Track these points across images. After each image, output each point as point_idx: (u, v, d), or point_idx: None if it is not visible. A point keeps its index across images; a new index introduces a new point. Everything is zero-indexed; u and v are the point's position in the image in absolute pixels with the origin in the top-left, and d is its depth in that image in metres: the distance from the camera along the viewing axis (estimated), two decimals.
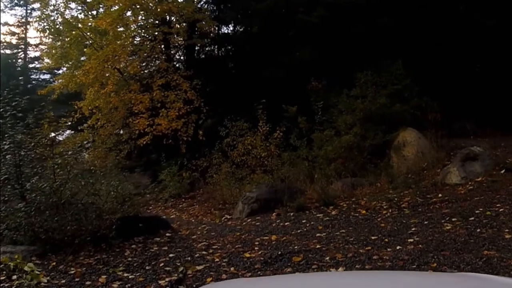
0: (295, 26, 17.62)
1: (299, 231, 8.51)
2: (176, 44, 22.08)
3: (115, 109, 19.31)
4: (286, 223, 9.36)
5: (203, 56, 23.18)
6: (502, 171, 9.81)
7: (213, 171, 15.56)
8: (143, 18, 20.73)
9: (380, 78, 14.24)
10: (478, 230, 7.08)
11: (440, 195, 9.48)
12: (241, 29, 22.44)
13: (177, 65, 21.76)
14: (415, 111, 13.10)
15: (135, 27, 21.04)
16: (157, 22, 20.82)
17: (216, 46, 22.80)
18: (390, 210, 9.08)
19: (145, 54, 20.75)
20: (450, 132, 15.71)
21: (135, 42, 21.01)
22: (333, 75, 16.27)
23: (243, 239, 8.32)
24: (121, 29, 20.21)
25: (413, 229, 7.62)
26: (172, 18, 20.96)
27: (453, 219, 7.80)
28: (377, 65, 14.71)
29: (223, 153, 16.08)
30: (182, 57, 23.25)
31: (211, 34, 22.18)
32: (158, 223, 9.72)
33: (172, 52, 22.30)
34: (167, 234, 9.07)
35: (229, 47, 22.64)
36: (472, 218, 7.70)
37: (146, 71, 21.91)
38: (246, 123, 15.62)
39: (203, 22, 20.04)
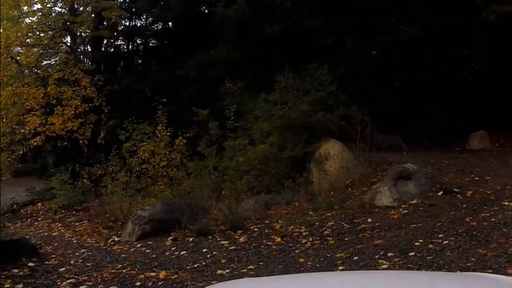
0: (213, 23, 15.86)
1: (196, 265, 6.70)
2: (84, 35, 19.84)
3: (12, 105, 16.84)
4: (182, 252, 7.51)
5: (112, 50, 21.03)
6: (440, 193, 8.43)
7: (108, 180, 13.40)
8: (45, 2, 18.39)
9: (303, 83, 12.73)
10: (423, 270, 5.52)
11: (369, 219, 7.95)
12: (155, 23, 20.49)
13: (81, 59, 19.51)
14: (340, 121, 11.64)
15: (35, 11, 18.64)
16: (62, 9, 18.66)
17: (126, 40, 20.74)
18: (310, 239, 7.42)
19: (43, 44, 18.44)
20: (378, 145, 14.58)
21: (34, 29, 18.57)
22: (251, 77, 14.70)
23: (123, 275, 6.39)
24: (15, 12, 17.90)
25: (340, 267, 5.99)
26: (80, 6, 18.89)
27: (389, 254, 6.25)
28: (300, 68, 13.24)
29: (123, 160, 14.02)
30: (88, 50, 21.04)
31: (122, 27, 20.12)
32: (21, 248, 7.61)
33: (77, 43, 20.06)
34: (30, 264, 7.04)
35: (140, 42, 20.62)
36: (413, 253, 6.17)
37: (44, 62, 19.64)
38: (149, 126, 13.64)
39: (111, 12, 17.87)
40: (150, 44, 20.56)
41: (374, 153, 11.97)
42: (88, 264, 7.33)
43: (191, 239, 8.28)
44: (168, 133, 13.23)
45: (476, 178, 9.65)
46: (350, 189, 9.87)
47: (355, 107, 11.72)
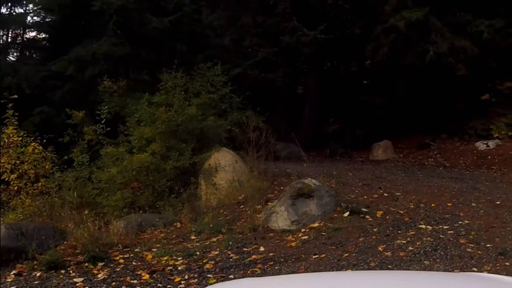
0: (94, 12, 13.85)
1: None
2: None
3: None
4: None
5: None
6: (346, 214, 7.08)
7: None
8: None
9: (194, 83, 11.14)
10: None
11: (262, 248, 6.44)
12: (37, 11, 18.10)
13: None
14: (233, 128, 10.16)
15: None
16: None
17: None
18: (186, 276, 5.78)
19: None
20: (276, 154, 13.36)
21: None
22: (135, 76, 12.93)
23: None
24: None
25: None
26: None
27: None
28: (192, 68, 11.67)
29: None
30: None
31: None
32: None
33: None
34: None
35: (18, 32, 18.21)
36: None
37: None
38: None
39: None
40: (28, 36, 18.20)
41: (271, 164, 10.63)
42: None
43: (38, 274, 6.38)
44: (19, 138, 11.07)
45: (386, 194, 8.47)
46: (242, 206, 8.35)
47: (250, 112, 10.30)
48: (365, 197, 8.15)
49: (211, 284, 4.66)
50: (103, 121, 10.38)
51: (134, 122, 10.68)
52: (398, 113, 16.64)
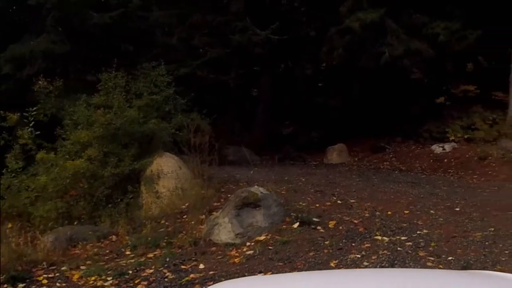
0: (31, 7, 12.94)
1: None
2: None
3: None
4: None
5: None
6: (296, 225, 6.47)
7: None
8: None
9: (137, 84, 10.40)
10: None
11: (202, 265, 5.77)
12: None
13: None
14: (178, 131, 9.48)
15: None
16: None
17: None
18: None
19: None
20: (225, 159, 12.80)
21: None
22: (75, 75, 12.10)
23: None
24: None
25: None
26: None
27: None
28: (136, 67, 10.94)
29: None
30: None
31: None
32: None
33: None
34: None
35: None
36: None
37: None
38: None
39: None
40: None
41: (221, 169, 10.03)
42: None
43: None
44: None
45: (339, 202, 7.92)
46: (185, 216, 7.67)
47: (196, 114, 9.64)
48: (317, 205, 7.57)
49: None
50: (31, 124, 9.51)
51: (71, 125, 9.86)
52: (353, 115, 16.26)
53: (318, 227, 6.46)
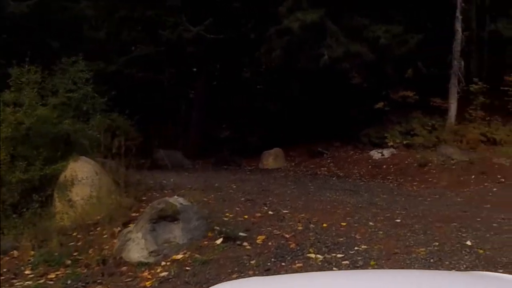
0: None
1: None
2: None
3: None
4: None
5: None
6: (219, 241, 5.74)
7: None
8: None
9: (53, 79, 9.44)
10: None
11: None
12: None
13: None
14: (96, 133, 8.62)
15: None
16: None
17: None
18: None
19: None
20: (155, 163, 12.04)
21: None
22: None
23: None
24: None
25: None
26: None
27: None
28: (54, 62, 9.98)
29: None
30: None
31: None
32: None
33: None
34: None
35: None
36: None
37: None
38: None
39: None
40: None
41: (148, 174, 9.21)
42: None
43: None
44: None
45: (271, 213, 7.24)
46: (98, 228, 6.81)
47: (117, 115, 8.80)
48: (246, 216, 6.86)
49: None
50: None
51: None
52: (291, 119, 15.74)
53: (245, 243, 5.74)
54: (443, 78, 14.66)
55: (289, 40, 13.82)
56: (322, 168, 13.25)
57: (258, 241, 5.85)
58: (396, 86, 16.09)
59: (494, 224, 6.96)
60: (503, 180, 10.80)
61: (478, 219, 7.27)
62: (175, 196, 6.30)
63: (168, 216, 5.78)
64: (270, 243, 5.79)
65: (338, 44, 13.86)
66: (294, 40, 13.81)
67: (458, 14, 14.26)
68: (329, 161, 13.79)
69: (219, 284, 2.19)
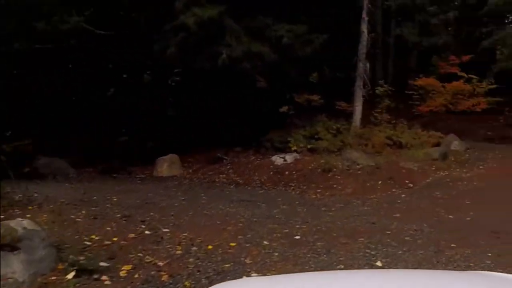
0: None
1: None
2: None
3: None
4: None
5: None
6: (71, 275, 4.48)
7: None
8: None
9: None
10: None
11: None
12: None
13: None
14: None
15: None
16: None
17: None
18: None
19: None
20: (36, 171, 10.83)
21: None
22: None
23: None
24: None
25: None
26: None
27: None
28: None
29: None
30: None
31: None
32: None
33: None
34: None
35: None
36: None
37: None
38: None
39: None
40: None
41: (19, 185, 7.78)
42: None
43: None
44: None
45: (148, 232, 6.06)
46: None
47: None
48: (116, 238, 5.63)
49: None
50: None
51: None
52: (190, 124, 14.64)
53: (104, 277, 4.52)
54: (348, 81, 14.24)
55: (185, 37, 12.75)
56: (221, 175, 12.25)
57: (121, 273, 4.65)
58: (301, 89, 15.49)
59: (407, 238, 6.22)
60: (411, 185, 10.30)
61: (388, 232, 6.51)
62: (18, 219, 4.98)
63: (7, 245, 4.48)
64: (136, 275, 4.62)
65: (238, 43, 13.01)
66: (190, 38, 12.77)
67: (364, 15, 13.85)
68: (228, 167, 12.80)
69: (218, 284, 2.13)
